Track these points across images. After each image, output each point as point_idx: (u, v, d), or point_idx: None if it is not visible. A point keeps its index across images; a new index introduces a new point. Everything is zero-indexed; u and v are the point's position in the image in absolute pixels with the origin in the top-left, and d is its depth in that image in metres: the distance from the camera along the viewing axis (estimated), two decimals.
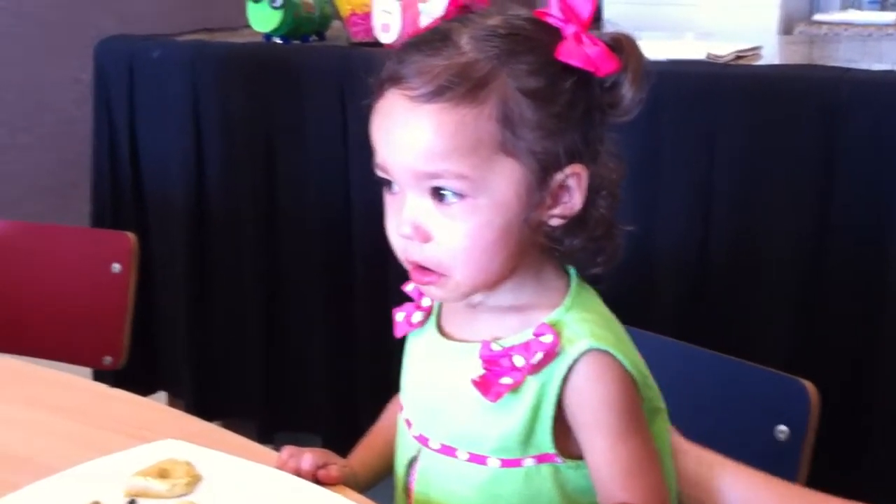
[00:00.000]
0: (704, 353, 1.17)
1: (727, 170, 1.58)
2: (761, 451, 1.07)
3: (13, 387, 1.17)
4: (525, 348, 0.86)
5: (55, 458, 0.94)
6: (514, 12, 0.89)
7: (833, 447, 1.27)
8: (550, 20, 0.87)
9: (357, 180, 1.89)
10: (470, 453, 0.89)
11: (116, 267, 1.57)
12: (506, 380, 0.86)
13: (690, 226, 1.58)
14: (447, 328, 0.94)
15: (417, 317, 0.97)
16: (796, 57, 2.12)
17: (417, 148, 0.83)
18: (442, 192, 0.84)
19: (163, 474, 0.89)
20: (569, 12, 0.86)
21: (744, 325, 1.57)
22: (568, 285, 0.91)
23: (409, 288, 0.97)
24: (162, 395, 2.20)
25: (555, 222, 0.87)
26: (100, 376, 1.79)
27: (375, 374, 1.83)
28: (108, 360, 1.57)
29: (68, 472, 0.89)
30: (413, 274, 0.88)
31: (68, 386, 1.17)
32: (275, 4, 2.04)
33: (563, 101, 0.85)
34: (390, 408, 1.06)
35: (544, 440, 0.87)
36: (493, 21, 0.87)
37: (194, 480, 0.89)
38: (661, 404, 0.92)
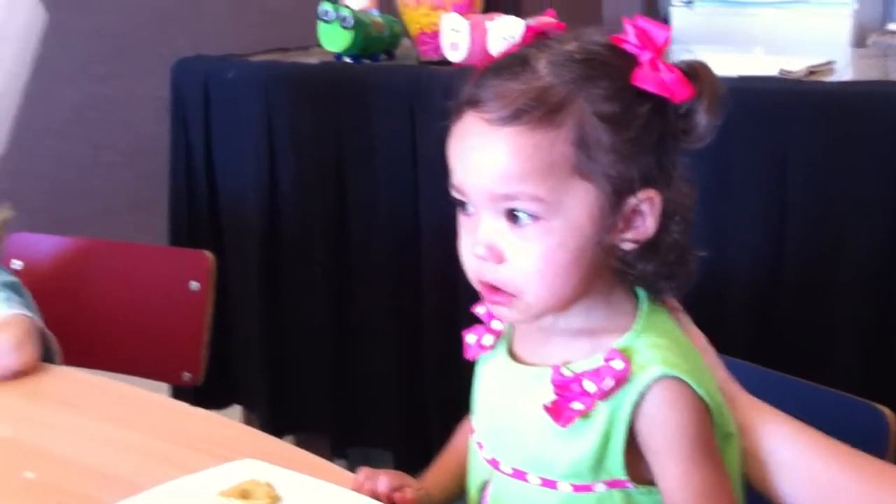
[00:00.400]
0: (777, 376, 1.16)
1: (800, 189, 1.56)
2: None
3: (98, 403, 1.21)
4: (596, 374, 0.87)
5: (138, 476, 0.98)
6: (591, 38, 0.91)
7: None
8: (626, 46, 0.88)
9: (426, 198, 1.91)
10: (541, 478, 0.89)
11: (195, 285, 1.61)
12: (577, 405, 0.87)
13: (762, 246, 1.57)
14: (518, 351, 0.96)
15: (488, 340, 0.98)
16: (871, 71, 2.09)
17: (494, 170, 0.85)
18: (516, 213, 0.85)
19: (245, 495, 0.91)
20: (644, 39, 0.87)
21: (817, 348, 1.55)
22: (639, 309, 0.91)
23: (480, 310, 0.98)
24: (237, 409, 2.24)
25: (627, 246, 0.88)
26: (178, 391, 1.83)
27: (446, 391, 1.85)
28: (186, 376, 1.61)
29: (153, 490, 0.92)
30: (485, 294, 0.90)
31: (150, 404, 1.21)
32: (345, 24, 2.07)
33: (638, 126, 0.86)
34: (462, 429, 1.08)
35: (616, 466, 0.87)
36: (570, 47, 0.88)
37: (274, 502, 0.92)
38: (733, 429, 0.92)
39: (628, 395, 0.86)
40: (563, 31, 0.92)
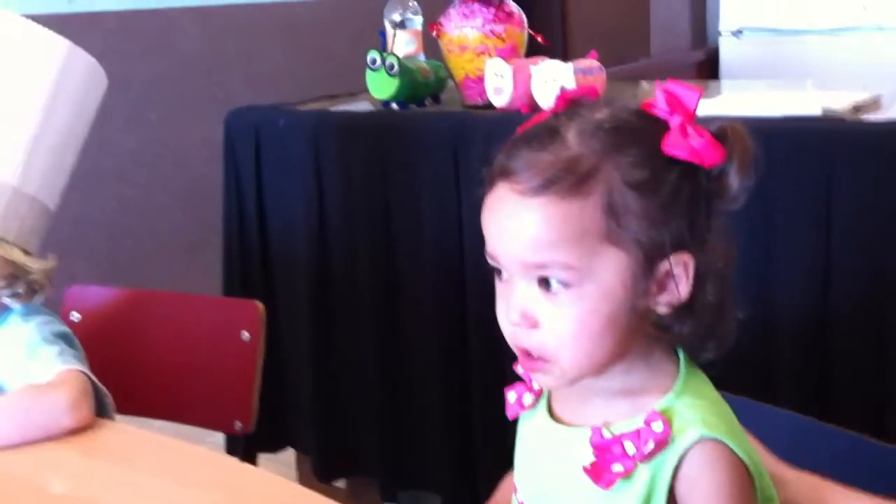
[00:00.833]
0: (825, 428, 1.15)
1: (845, 234, 1.55)
2: None
3: (152, 459, 1.23)
4: (636, 436, 0.87)
5: None
6: (622, 105, 0.92)
7: None
8: (656, 112, 0.89)
9: (470, 240, 1.93)
10: None
11: (245, 335, 1.64)
12: (617, 467, 0.87)
13: (807, 294, 1.55)
14: (558, 411, 0.96)
15: (528, 399, 0.99)
16: None
17: (526, 239, 0.87)
18: (549, 281, 0.87)
19: None
20: (674, 104, 0.88)
21: (867, 399, 1.53)
22: (678, 369, 0.92)
23: (520, 369, 1.00)
24: (291, 453, 2.27)
25: (662, 310, 0.89)
26: (232, 436, 1.86)
27: (494, 435, 1.85)
28: (238, 425, 1.63)
29: None
30: (521, 360, 0.91)
31: (203, 459, 1.22)
32: (392, 72, 2.11)
33: (668, 191, 0.87)
34: (504, 485, 1.09)
35: None
36: (600, 115, 0.90)
37: None
38: (773, 492, 0.92)
39: (669, 457, 0.86)
40: (596, 99, 0.94)
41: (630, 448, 0.87)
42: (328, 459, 2.13)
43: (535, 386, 0.99)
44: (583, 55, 2.05)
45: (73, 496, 1.13)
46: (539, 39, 2.14)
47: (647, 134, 0.88)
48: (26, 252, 1.40)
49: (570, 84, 1.90)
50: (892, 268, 1.53)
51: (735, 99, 2.18)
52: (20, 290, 1.39)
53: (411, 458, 2.06)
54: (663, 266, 0.87)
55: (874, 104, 1.88)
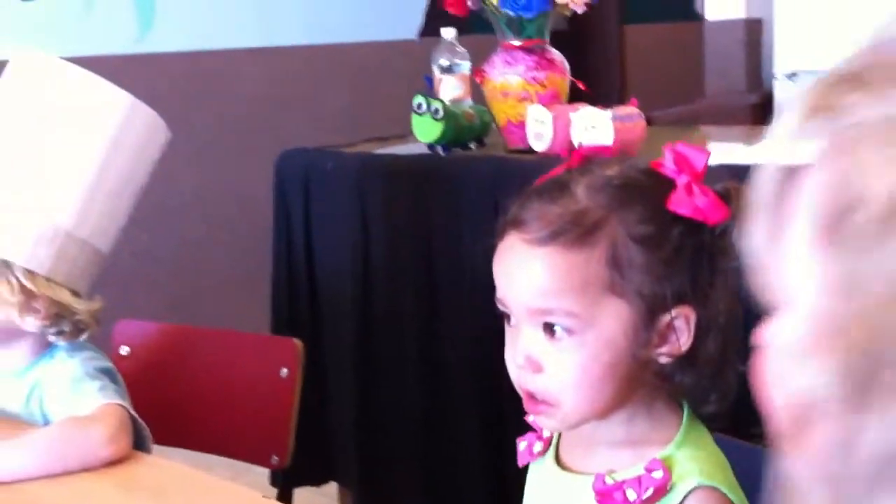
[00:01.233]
0: None
1: None
2: None
3: (185, 494, 1.28)
4: (637, 483, 0.90)
5: None
6: (632, 163, 0.96)
7: None
8: (664, 171, 0.93)
9: None
10: None
11: (284, 371, 1.69)
12: None
13: None
14: (565, 459, 0.99)
15: (538, 447, 1.02)
16: None
17: (532, 286, 0.91)
18: (553, 327, 0.90)
19: None
20: (682, 164, 0.92)
21: None
22: (681, 421, 0.94)
23: (531, 418, 1.03)
24: (334, 486, 2.31)
25: (663, 360, 0.92)
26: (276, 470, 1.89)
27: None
28: (275, 459, 1.68)
29: None
30: (526, 403, 0.95)
31: (235, 496, 1.26)
32: (437, 117, 2.16)
33: (672, 246, 0.90)
34: None
35: None
36: (610, 172, 0.94)
37: None
38: None
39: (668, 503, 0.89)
40: (609, 157, 0.98)
41: (631, 494, 0.90)
42: (368, 494, 2.17)
43: (545, 434, 1.02)
44: (641, 97, 2.08)
45: None
46: (580, 86, 2.18)
47: (654, 191, 0.91)
48: (74, 293, 1.46)
49: (608, 130, 1.93)
50: None
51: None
52: (66, 328, 1.46)
53: (448, 496, 2.09)
54: (665, 318, 0.90)
55: None
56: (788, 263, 0.46)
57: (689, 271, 0.91)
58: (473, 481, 2.07)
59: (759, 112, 3.58)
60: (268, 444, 1.69)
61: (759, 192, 0.47)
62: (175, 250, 3.44)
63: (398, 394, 2.16)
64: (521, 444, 1.04)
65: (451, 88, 2.35)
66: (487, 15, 2.22)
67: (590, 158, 0.99)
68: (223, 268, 3.46)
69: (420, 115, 2.19)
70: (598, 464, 0.94)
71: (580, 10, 2.13)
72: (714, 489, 0.89)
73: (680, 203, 0.90)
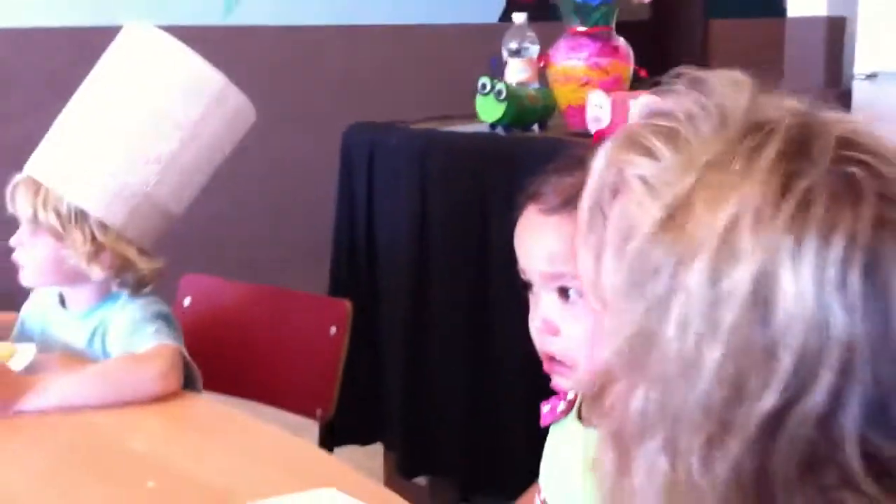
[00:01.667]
0: None
1: None
2: None
3: (224, 430, 1.39)
4: None
5: (244, 496, 1.11)
6: None
7: None
8: None
9: None
10: None
11: (333, 330, 1.78)
12: None
13: None
14: (587, 414, 1.05)
15: (561, 407, 1.08)
16: None
17: (544, 252, 0.98)
18: (567, 290, 0.97)
19: None
20: None
21: None
22: None
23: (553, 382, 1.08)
24: (378, 447, 2.40)
25: None
26: (328, 426, 1.97)
27: None
28: (319, 411, 1.77)
29: None
30: (545, 364, 1.01)
31: (271, 436, 1.35)
32: (499, 98, 2.23)
33: None
34: (530, 492, 1.18)
35: None
36: None
37: None
38: None
39: None
40: None
41: None
42: (411, 456, 2.26)
43: (570, 395, 1.08)
44: None
45: (149, 453, 1.30)
46: (641, 74, 2.22)
47: None
48: (141, 250, 1.57)
49: None
50: None
51: None
52: (128, 281, 1.58)
53: (490, 463, 2.16)
54: None
55: None
56: (597, 265, 0.65)
57: None
58: (516, 453, 2.13)
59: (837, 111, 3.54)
60: (314, 398, 1.78)
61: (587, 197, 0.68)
62: (250, 215, 3.58)
63: (446, 361, 2.24)
64: (545, 407, 1.10)
65: (517, 71, 2.41)
66: (557, 1, 2.28)
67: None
68: (292, 234, 3.58)
69: (484, 95, 2.26)
70: None
71: None
72: None
73: None
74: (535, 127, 2.34)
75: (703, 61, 4.56)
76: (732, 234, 0.57)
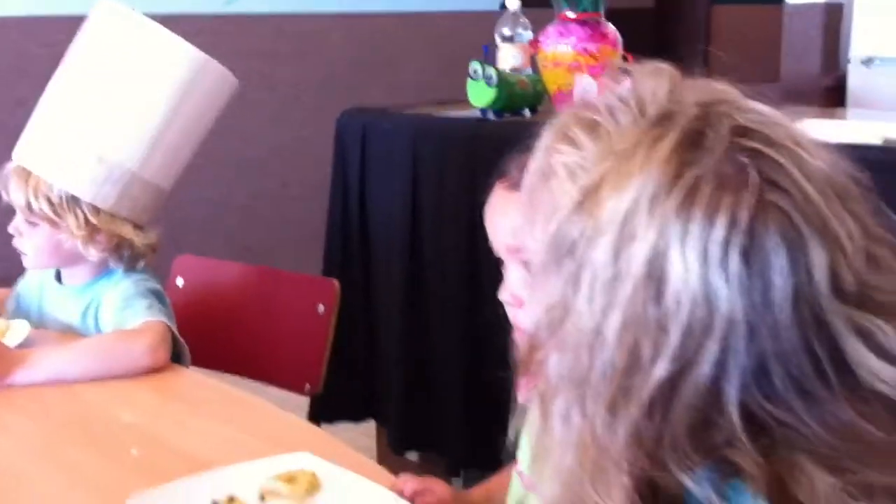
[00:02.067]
0: None
1: None
2: None
3: (210, 403, 1.44)
4: None
5: (223, 463, 1.16)
6: None
7: None
8: None
9: None
10: None
11: (321, 308, 1.83)
12: None
13: None
14: None
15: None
16: None
17: (508, 226, 1.02)
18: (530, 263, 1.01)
19: (290, 479, 1.10)
20: None
21: None
22: None
23: None
24: (371, 424, 2.45)
25: None
26: (320, 402, 2.01)
27: None
28: (307, 387, 1.82)
29: (223, 468, 1.13)
30: (516, 335, 1.05)
31: (255, 408, 1.40)
32: (490, 83, 2.26)
33: None
34: (511, 465, 1.22)
35: None
36: None
37: (314, 488, 1.10)
38: None
39: None
40: None
41: None
42: (403, 432, 2.30)
43: None
44: (720, 76, 2.14)
45: (139, 426, 1.34)
46: (629, 59, 2.25)
47: None
48: (136, 226, 1.62)
49: None
50: None
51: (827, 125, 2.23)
52: (124, 256, 1.62)
53: (482, 439, 2.20)
54: None
55: None
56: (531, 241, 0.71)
57: None
58: (508, 427, 2.17)
59: (833, 96, 3.57)
60: (303, 374, 1.83)
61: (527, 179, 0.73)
62: (251, 201, 3.62)
63: (439, 338, 2.28)
64: (522, 382, 1.14)
65: (510, 57, 2.44)
66: None
67: None
68: (294, 221, 3.63)
69: (475, 80, 2.30)
70: None
71: None
72: None
73: None
74: (526, 112, 2.38)
75: (706, 47, 4.58)
76: (631, 217, 0.63)
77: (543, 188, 0.70)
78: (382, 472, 1.18)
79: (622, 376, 0.63)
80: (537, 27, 2.45)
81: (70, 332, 1.62)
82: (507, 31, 2.49)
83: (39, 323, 1.66)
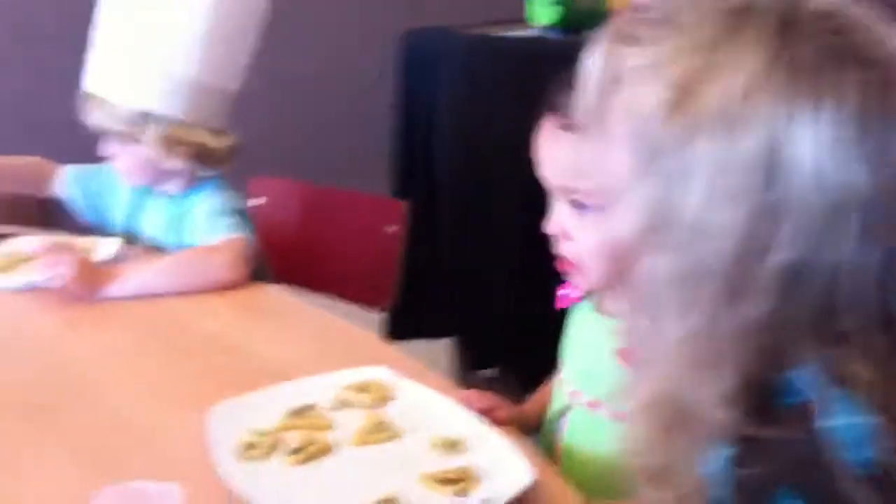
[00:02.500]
0: None
1: None
2: None
3: (289, 317, 1.51)
4: None
5: (301, 374, 1.22)
6: None
7: None
8: None
9: None
10: (613, 411, 1.07)
11: (390, 228, 1.89)
12: None
13: None
14: (603, 303, 1.14)
15: (576, 294, 1.17)
16: None
17: (559, 166, 1.04)
18: (579, 203, 1.04)
19: (364, 390, 1.17)
20: None
21: None
22: None
23: None
24: (443, 341, 2.51)
25: None
26: (395, 322, 2.04)
27: None
28: (379, 307, 1.89)
29: (299, 380, 1.20)
30: (559, 264, 1.09)
31: (326, 323, 1.46)
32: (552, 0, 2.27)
33: None
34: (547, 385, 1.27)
35: None
36: None
37: (386, 399, 1.16)
38: None
39: None
40: None
41: None
42: (477, 350, 2.37)
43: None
44: None
45: (222, 338, 1.42)
46: None
47: None
48: (211, 131, 1.67)
49: None
50: None
51: None
52: (206, 164, 1.69)
53: (552, 357, 2.26)
54: None
55: None
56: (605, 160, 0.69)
57: None
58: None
59: None
60: (376, 292, 1.90)
61: (585, 103, 0.71)
62: (316, 120, 3.66)
63: (506, 262, 2.33)
64: (562, 291, 1.19)
65: None
66: None
67: None
68: (357, 138, 3.66)
69: None
70: None
71: None
72: None
73: None
74: (589, 31, 2.37)
75: None
76: (732, 106, 0.62)
77: (613, 97, 0.68)
78: (454, 388, 1.22)
79: (738, 268, 0.62)
80: None
81: (157, 244, 1.71)
82: None
83: (127, 234, 1.74)
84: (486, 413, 1.14)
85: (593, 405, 1.11)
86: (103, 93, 1.64)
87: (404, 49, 2.45)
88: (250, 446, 1.04)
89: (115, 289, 1.51)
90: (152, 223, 1.75)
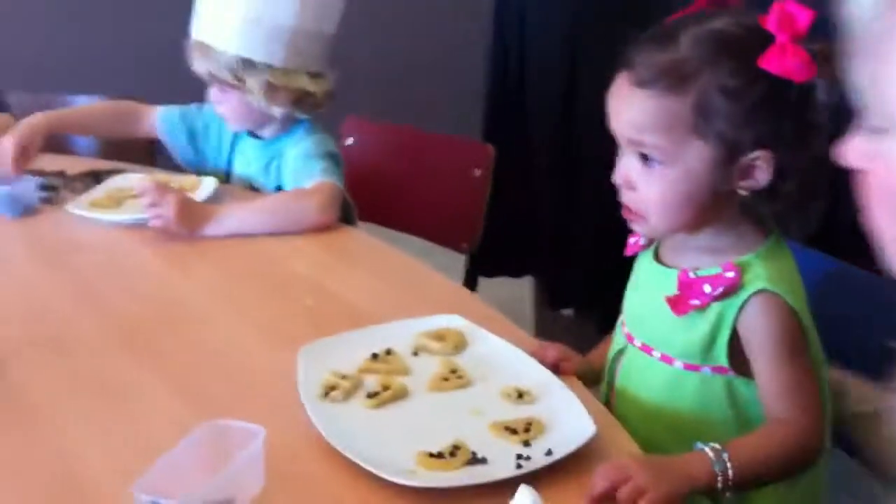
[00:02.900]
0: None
1: None
2: None
3: (373, 260, 1.57)
4: (714, 280, 1.08)
5: (385, 318, 1.28)
6: (740, 17, 1.07)
7: None
8: (769, 26, 1.04)
9: None
10: (662, 354, 1.13)
11: (477, 172, 1.93)
12: (694, 301, 1.09)
13: None
14: (661, 253, 1.18)
15: (642, 241, 1.22)
16: None
17: (629, 121, 1.08)
18: (646, 155, 1.08)
19: (440, 337, 1.23)
20: (785, 21, 1.03)
21: None
22: (765, 240, 1.10)
23: None
24: (528, 280, 2.56)
25: (744, 193, 1.07)
26: (480, 261, 2.10)
27: None
28: (464, 246, 1.94)
29: (379, 325, 1.26)
30: (624, 211, 1.14)
31: (411, 268, 1.51)
32: None
33: (756, 98, 1.03)
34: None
35: (720, 355, 1.09)
36: (718, 24, 1.06)
37: (461, 347, 1.22)
38: (822, 357, 1.10)
39: (735, 301, 1.07)
40: (738, 5, 1.09)
41: (707, 288, 1.08)
42: (555, 290, 2.41)
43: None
44: None
45: (311, 279, 1.49)
46: None
47: (750, 47, 1.03)
48: (310, 74, 1.73)
49: None
50: None
51: None
52: (305, 109, 1.75)
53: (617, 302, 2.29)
54: (744, 159, 1.05)
55: None
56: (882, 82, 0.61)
57: (771, 121, 1.03)
58: None
59: None
60: (461, 233, 1.96)
61: (863, 24, 0.63)
62: (408, 62, 3.70)
63: (594, 200, 2.34)
64: (632, 240, 1.23)
65: None
66: None
67: (720, 3, 1.11)
68: (451, 81, 3.68)
69: None
70: (686, 262, 1.13)
71: None
72: (775, 295, 1.05)
73: (771, 61, 1.01)
74: None
75: None
76: None
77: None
78: (527, 337, 1.27)
79: None
80: None
81: (250, 184, 1.79)
82: None
83: (222, 174, 1.82)
84: (556, 363, 1.19)
85: (645, 348, 1.15)
86: (209, 39, 1.71)
87: None
88: (332, 387, 1.11)
89: (213, 228, 1.59)
90: (246, 164, 1.83)
